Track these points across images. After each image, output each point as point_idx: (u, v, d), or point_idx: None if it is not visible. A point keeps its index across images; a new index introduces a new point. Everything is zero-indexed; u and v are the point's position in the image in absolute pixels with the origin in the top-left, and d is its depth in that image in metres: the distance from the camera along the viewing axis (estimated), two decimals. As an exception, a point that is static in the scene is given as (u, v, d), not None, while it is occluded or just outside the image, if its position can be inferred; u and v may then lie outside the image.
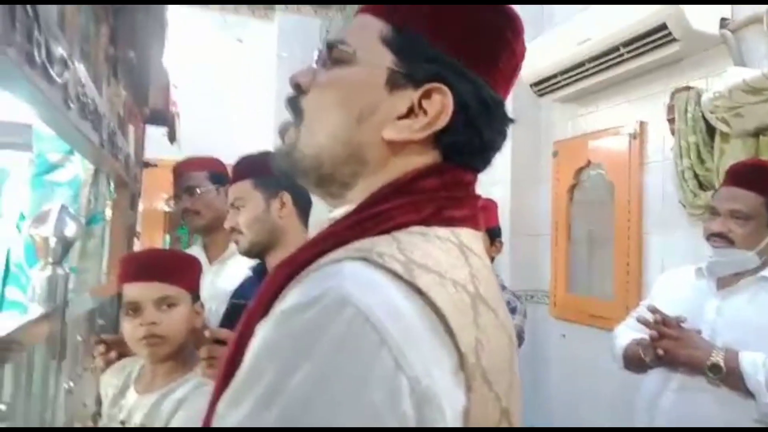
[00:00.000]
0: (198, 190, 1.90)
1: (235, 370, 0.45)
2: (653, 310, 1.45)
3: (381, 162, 0.56)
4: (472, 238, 0.56)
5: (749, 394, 1.31)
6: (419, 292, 0.45)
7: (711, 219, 1.52)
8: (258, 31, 3.83)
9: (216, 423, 0.45)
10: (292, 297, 0.46)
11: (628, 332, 1.61)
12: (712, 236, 1.49)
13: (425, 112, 0.55)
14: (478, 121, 0.56)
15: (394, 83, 0.55)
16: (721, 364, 1.32)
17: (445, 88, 0.54)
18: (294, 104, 0.60)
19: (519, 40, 0.60)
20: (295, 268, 0.49)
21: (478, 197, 0.60)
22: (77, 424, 1.34)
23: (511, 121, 0.60)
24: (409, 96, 0.55)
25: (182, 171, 1.98)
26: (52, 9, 0.73)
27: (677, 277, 1.65)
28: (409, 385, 0.42)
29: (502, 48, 0.58)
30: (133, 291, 1.17)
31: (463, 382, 0.45)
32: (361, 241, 0.50)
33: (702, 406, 1.36)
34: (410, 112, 0.55)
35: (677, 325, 1.41)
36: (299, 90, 0.60)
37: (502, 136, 0.59)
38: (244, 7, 3.82)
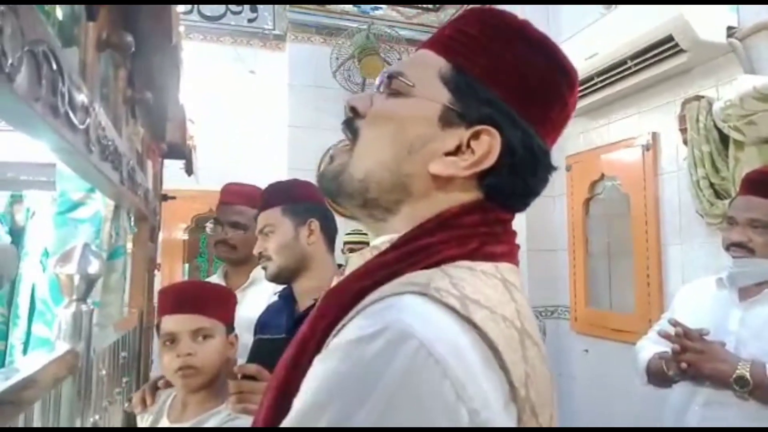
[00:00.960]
0: (243, 232, 1.93)
1: (287, 395, 0.47)
2: (675, 323, 1.44)
3: (425, 193, 0.58)
4: (512, 273, 0.57)
5: None
6: (474, 326, 0.47)
7: (729, 229, 1.51)
8: (269, 62, 3.91)
9: None
10: (354, 329, 0.47)
11: (651, 346, 1.59)
12: (731, 246, 1.48)
13: (472, 152, 0.57)
14: (522, 167, 0.58)
15: (447, 120, 0.58)
16: (748, 376, 1.30)
17: (495, 131, 0.56)
18: (351, 126, 0.62)
19: (573, 93, 0.62)
20: (350, 299, 0.51)
21: (515, 233, 0.61)
22: (104, 457, 1.35)
23: (554, 168, 0.61)
24: (459, 134, 0.57)
25: (232, 202, 2.00)
26: (74, 59, 0.77)
27: (698, 288, 1.63)
28: (468, 417, 0.43)
29: (555, 100, 0.60)
30: (170, 323, 1.21)
31: (514, 415, 0.47)
32: (416, 274, 0.52)
33: (730, 420, 1.34)
34: (458, 150, 0.57)
35: (700, 337, 1.39)
36: (355, 113, 0.62)
37: (545, 183, 0.61)
38: (256, 39, 3.91)
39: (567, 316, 3.04)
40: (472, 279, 0.52)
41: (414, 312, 0.46)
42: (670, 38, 2.14)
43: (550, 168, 0.60)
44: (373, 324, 0.46)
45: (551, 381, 0.54)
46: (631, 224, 2.62)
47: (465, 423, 0.43)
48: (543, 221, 3.13)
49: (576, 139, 3.02)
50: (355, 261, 0.59)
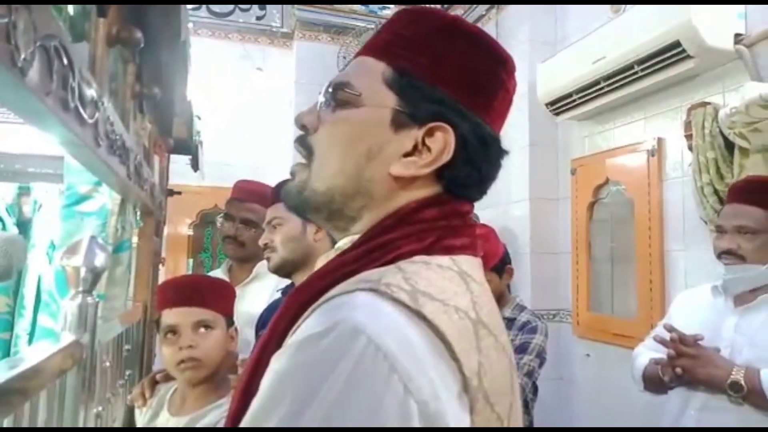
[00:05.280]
0: (254, 230, 1.95)
1: (250, 397, 0.47)
2: (670, 329, 1.44)
3: (388, 196, 0.59)
4: (471, 265, 0.58)
5: None
6: (425, 319, 0.48)
7: (719, 237, 1.52)
8: (277, 59, 3.93)
9: None
10: (306, 327, 0.48)
11: (647, 353, 1.59)
12: (722, 254, 1.49)
13: (429, 149, 0.58)
14: (476, 156, 0.59)
15: (398, 123, 0.58)
16: (742, 382, 1.30)
17: (447, 127, 0.57)
18: (304, 143, 0.63)
19: (512, 78, 0.63)
20: (308, 298, 0.52)
21: (475, 225, 0.63)
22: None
23: (506, 153, 0.63)
24: (413, 134, 0.58)
25: (245, 199, 2.01)
26: (84, 54, 0.78)
27: (694, 295, 1.64)
28: (418, 409, 0.44)
29: (496, 87, 0.61)
30: (171, 316, 1.22)
31: (467, 404, 0.48)
32: (369, 272, 0.52)
33: (725, 425, 1.34)
34: (415, 149, 0.58)
35: (695, 343, 1.40)
36: (306, 130, 0.63)
37: (498, 168, 0.62)
38: (263, 36, 3.93)
39: (569, 320, 3.04)
40: (427, 272, 0.52)
41: (364, 308, 0.47)
42: (677, 44, 2.14)
43: (501, 153, 0.62)
44: (324, 322, 0.46)
45: (510, 370, 0.56)
46: (635, 229, 2.62)
47: (415, 414, 0.44)
48: (547, 224, 3.13)
49: (581, 142, 3.02)
50: (321, 262, 0.61)
